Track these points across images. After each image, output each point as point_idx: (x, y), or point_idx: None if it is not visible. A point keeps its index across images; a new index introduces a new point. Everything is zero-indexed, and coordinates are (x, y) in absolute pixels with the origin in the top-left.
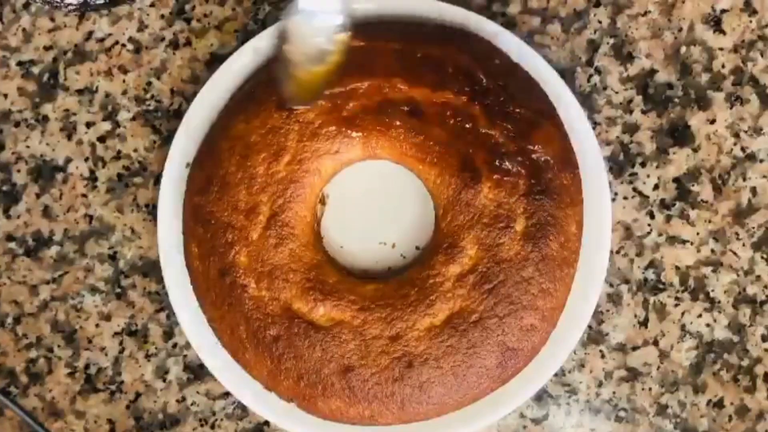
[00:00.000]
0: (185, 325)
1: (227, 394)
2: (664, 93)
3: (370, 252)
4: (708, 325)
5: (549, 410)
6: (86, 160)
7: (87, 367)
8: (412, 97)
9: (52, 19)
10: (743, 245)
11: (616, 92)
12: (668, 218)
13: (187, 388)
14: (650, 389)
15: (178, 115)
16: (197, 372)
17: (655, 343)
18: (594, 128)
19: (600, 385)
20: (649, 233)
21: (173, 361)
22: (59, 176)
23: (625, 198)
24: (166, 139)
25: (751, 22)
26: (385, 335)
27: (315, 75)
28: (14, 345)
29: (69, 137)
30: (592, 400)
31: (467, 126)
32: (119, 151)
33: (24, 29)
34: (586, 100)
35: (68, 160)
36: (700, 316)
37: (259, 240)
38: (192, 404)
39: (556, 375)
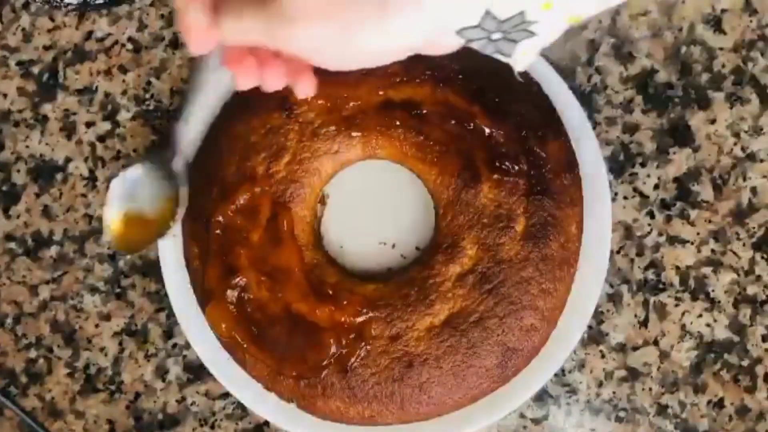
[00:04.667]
0: (185, 325)
1: (227, 394)
2: (664, 93)
3: (370, 252)
4: (708, 325)
5: (549, 410)
6: (86, 160)
7: (87, 367)
8: (412, 97)
9: (52, 19)
10: (743, 245)
11: (616, 92)
12: (668, 218)
13: (187, 388)
14: (650, 389)
15: (178, 115)
16: (197, 372)
17: (655, 343)
18: (594, 128)
19: (600, 385)
20: (649, 233)
21: (173, 361)
22: (59, 176)
23: (625, 198)
24: (166, 139)
25: (751, 22)
26: (385, 335)
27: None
28: (14, 345)
29: (69, 137)
30: (592, 400)
31: (467, 126)
32: (119, 151)
33: (24, 29)
34: (586, 100)
35: (68, 160)
36: (700, 316)
37: (259, 240)
38: (192, 404)
39: (556, 375)
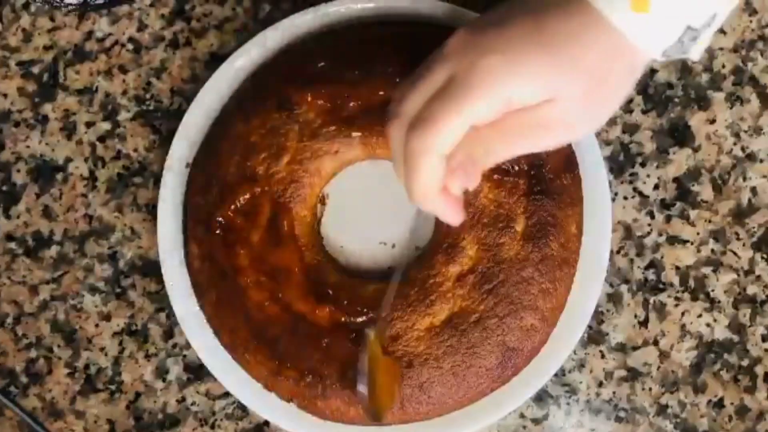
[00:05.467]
0: (185, 325)
1: (227, 394)
2: (664, 93)
3: (370, 252)
4: (708, 325)
5: (549, 410)
6: (86, 160)
7: (87, 367)
8: None
9: (52, 19)
10: (743, 245)
11: None
12: (668, 218)
13: (187, 388)
14: (650, 389)
15: (178, 115)
16: (197, 372)
17: (655, 343)
18: None
19: (600, 385)
20: (649, 233)
21: (173, 361)
22: (59, 176)
23: (625, 198)
24: (166, 139)
25: (751, 22)
26: (385, 335)
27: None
28: (14, 345)
29: (69, 137)
30: (592, 400)
31: None
32: (119, 151)
33: (24, 29)
34: None
35: (68, 160)
36: (700, 316)
37: (260, 240)
38: (192, 404)
39: (556, 375)
